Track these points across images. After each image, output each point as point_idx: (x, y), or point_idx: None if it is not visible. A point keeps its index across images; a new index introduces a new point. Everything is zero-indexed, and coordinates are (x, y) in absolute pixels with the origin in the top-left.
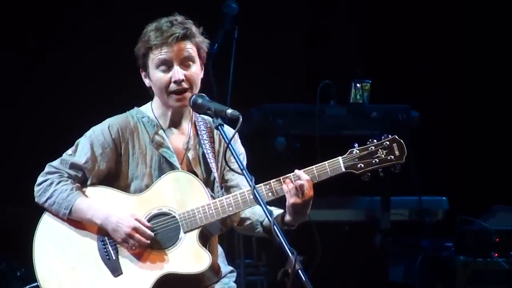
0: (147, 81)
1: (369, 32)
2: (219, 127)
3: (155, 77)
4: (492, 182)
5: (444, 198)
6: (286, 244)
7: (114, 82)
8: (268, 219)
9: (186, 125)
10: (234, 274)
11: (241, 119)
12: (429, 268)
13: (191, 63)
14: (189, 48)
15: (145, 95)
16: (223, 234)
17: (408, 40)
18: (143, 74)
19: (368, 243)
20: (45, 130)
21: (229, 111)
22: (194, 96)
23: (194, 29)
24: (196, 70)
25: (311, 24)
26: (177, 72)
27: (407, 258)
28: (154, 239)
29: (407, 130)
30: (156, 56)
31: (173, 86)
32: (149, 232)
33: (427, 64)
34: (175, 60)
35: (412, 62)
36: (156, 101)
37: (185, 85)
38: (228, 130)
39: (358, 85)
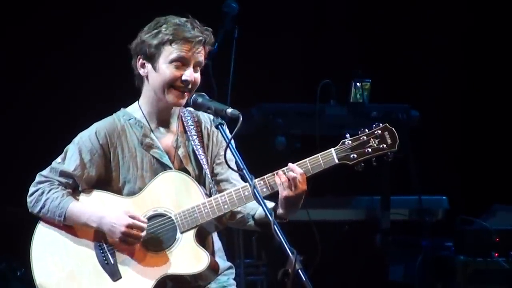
0: (143, 70)
1: (369, 31)
2: (219, 126)
3: (164, 70)
4: (492, 181)
5: (444, 197)
6: (286, 244)
7: (114, 84)
8: (269, 218)
9: (174, 122)
10: (233, 270)
11: (241, 118)
12: (429, 267)
13: (199, 68)
14: (203, 54)
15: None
16: (223, 234)
17: (408, 40)
18: (139, 63)
19: (368, 243)
20: (45, 130)
21: (229, 110)
22: (194, 95)
23: (212, 37)
24: (199, 74)
25: (311, 23)
26: (191, 73)
27: (407, 257)
28: (151, 241)
29: (407, 130)
30: (175, 50)
31: (179, 84)
32: (144, 225)
33: (427, 64)
34: (193, 60)
35: (412, 61)
36: (146, 97)
37: (190, 86)
38: (208, 118)
39: (358, 84)
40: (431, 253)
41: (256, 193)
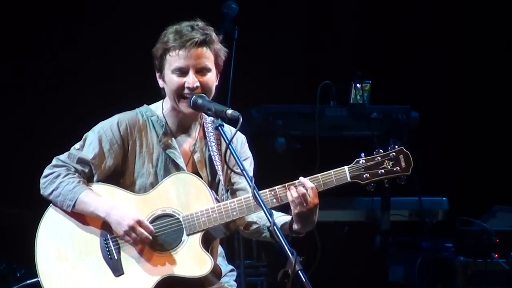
0: (161, 82)
1: (369, 32)
2: (219, 127)
3: (169, 79)
4: (492, 182)
5: (444, 198)
6: (286, 245)
7: (115, 86)
8: (268, 219)
9: (194, 127)
10: (234, 273)
11: (241, 120)
12: (429, 268)
13: (206, 70)
14: (206, 54)
15: (152, 96)
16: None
17: (408, 41)
18: (157, 75)
19: (368, 244)
20: (45, 131)
21: (229, 111)
22: (194, 96)
23: (214, 36)
24: (211, 77)
25: (311, 24)
26: (192, 79)
27: (407, 258)
28: (157, 241)
29: (407, 131)
30: (172, 58)
31: (185, 92)
32: (151, 227)
33: (427, 65)
34: (191, 66)
35: (412, 62)
36: (168, 104)
37: (198, 91)
38: (229, 130)
39: (358, 85)
40: (431, 254)
41: (256, 194)
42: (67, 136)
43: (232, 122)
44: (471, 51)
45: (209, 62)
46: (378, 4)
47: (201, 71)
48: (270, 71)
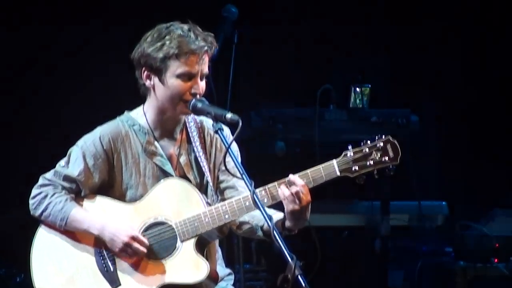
0: (149, 82)
1: (369, 34)
2: (219, 131)
3: (172, 84)
4: (492, 187)
5: (443, 203)
6: (286, 250)
7: (114, 88)
8: (268, 224)
9: (178, 130)
10: (232, 277)
11: (240, 123)
12: (429, 273)
13: (205, 76)
14: (207, 62)
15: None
16: (223, 238)
17: (408, 44)
18: (145, 74)
19: (368, 248)
20: (45, 135)
21: (229, 115)
22: (193, 100)
23: (215, 43)
24: (204, 83)
25: (312, 28)
26: (200, 86)
27: (406, 263)
28: (151, 249)
29: (407, 135)
30: (181, 65)
31: (187, 97)
32: (146, 241)
33: (427, 68)
34: (200, 72)
35: (411, 66)
36: (152, 106)
37: (198, 96)
38: (227, 132)
39: (357, 89)
40: (431, 258)
41: (256, 199)
42: (67, 136)
43: (232, 125)
44: (471, 53)
45: (208, 68)
46: (378, 7)
47: (204, 76)
48: (270, 74)
